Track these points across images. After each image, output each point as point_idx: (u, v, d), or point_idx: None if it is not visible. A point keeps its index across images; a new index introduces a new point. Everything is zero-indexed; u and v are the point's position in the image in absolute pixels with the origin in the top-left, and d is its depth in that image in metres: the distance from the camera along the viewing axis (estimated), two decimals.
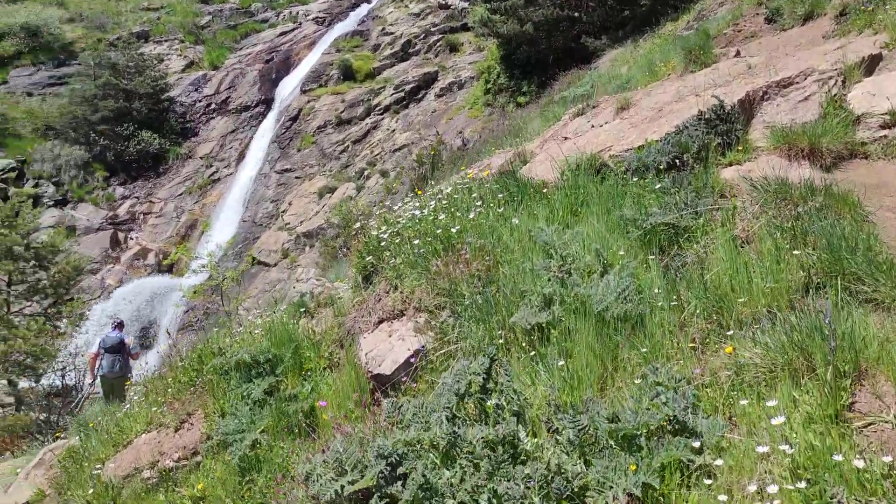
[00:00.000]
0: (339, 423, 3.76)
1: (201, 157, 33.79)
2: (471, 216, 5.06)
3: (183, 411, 5.59)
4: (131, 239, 30.95)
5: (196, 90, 36.70)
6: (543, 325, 3.96)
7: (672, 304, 3.84)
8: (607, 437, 3.06)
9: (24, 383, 16.70)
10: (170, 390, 6.07)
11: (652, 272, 4.23)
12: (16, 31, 36.75)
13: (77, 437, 6.97)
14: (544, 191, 5.65)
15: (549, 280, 4.27)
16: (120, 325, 12.60)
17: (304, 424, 4.59)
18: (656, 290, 4.02)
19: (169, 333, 19.79)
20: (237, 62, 38.05)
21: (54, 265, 17.15)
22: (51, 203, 30.69)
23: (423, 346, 4.29)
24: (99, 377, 11.96)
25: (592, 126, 9.34)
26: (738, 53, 10.35)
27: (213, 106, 36.06)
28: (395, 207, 6.65)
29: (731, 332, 3.50)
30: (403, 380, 4.12)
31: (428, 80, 32.62)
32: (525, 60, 25.74)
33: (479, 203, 5.29)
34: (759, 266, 3.84)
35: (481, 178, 6.32)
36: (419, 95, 32.40)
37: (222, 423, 4.88)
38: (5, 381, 15.72)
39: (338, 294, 6.81)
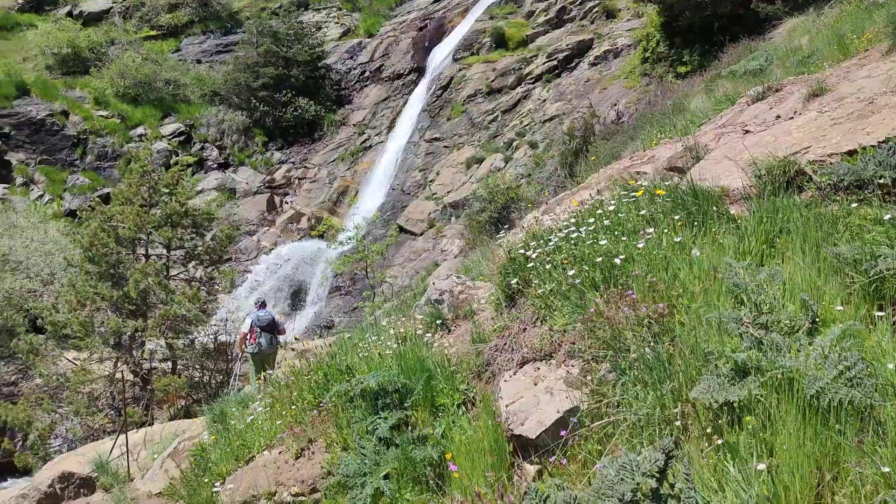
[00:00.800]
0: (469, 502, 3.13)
1: (354, 125, 34.29)
2: (640, 245, 4.18)
3: (304, 437, 5.21)
4: (286, 203, 32.05)
5: (351, 58, 37.18)
6: (734, 404, 3.09)
7: None
8: None
9: (180, 342, 17.51)
10: (294, 407, 5.72)
11: (881, 337, 3.23)
12: (188, 2, 38.71)
13: (206, 434, 6.89)
14: (730, 209, 4.66)
15: (742, 338, 3.37)
16: (263, 304, 12.96)
17: (431, 477, 4.01)
18: (891, 367, 3.03)
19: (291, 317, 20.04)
20: (391, 30, 38.13)
21: (209, 232, 17.77)
22: (214, 166, 32.33)
23: (575, 407, 3.54)
24: (251, 354, 12.33)
25: (778, 116, 8.05)
26: None
27: (366, 74, 36.41)
28: (546, 218, 5.86)
29: None
30: (551, 457, 3.38)
31: (582, 49, 31.20)
32: (687, 28, 23.99)
33: (650, 230, 4.36)
34: None
35: (649, 186, 5.37)
36: (572, 64, 31.09)
37: (344, 460, 4.41)
38: (163, 343, 16.51)
39: (478, 302, 6.17)
